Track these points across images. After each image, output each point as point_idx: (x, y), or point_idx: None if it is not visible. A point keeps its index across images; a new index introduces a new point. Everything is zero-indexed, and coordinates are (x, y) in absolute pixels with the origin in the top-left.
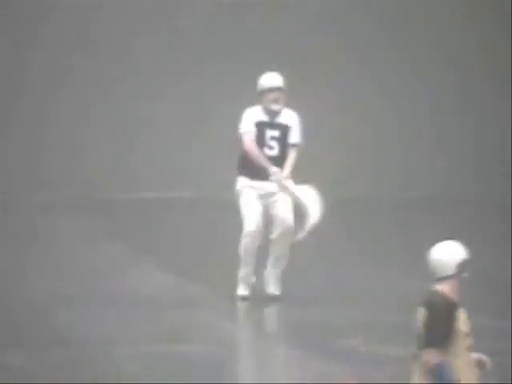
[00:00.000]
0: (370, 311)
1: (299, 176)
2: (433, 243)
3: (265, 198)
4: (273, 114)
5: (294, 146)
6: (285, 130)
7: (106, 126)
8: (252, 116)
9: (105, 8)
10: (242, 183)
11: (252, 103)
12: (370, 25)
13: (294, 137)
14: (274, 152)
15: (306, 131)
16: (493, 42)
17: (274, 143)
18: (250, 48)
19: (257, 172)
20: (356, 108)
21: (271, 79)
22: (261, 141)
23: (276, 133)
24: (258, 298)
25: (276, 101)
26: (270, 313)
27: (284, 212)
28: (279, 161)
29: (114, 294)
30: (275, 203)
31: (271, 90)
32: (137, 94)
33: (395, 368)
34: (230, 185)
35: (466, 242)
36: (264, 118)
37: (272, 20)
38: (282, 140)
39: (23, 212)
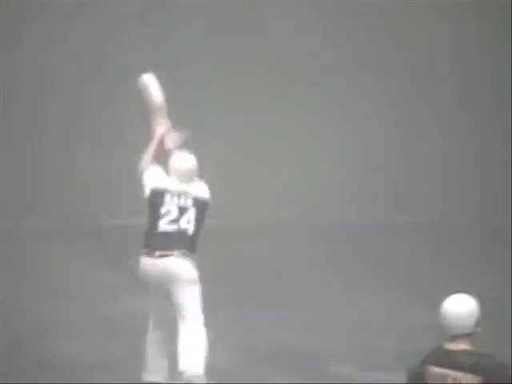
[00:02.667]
0: (363, 337)
1: (290, 198)
2: (431, 269)
3: None
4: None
5: None
6: None
7: (96, 151)
8: None
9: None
10: None
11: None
12: (368, 25)
13: None
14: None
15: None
16: (493, 41)
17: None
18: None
19: None
20: (352, 120)
21: (183, 161)
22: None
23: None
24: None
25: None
26: (261, 338)
27: None
28: None
29: (108, 320)
30: None
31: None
32: (128, 116)
33: None
34: (218, 211)
35: (465, 266)
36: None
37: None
38: None
39: (14, 239)
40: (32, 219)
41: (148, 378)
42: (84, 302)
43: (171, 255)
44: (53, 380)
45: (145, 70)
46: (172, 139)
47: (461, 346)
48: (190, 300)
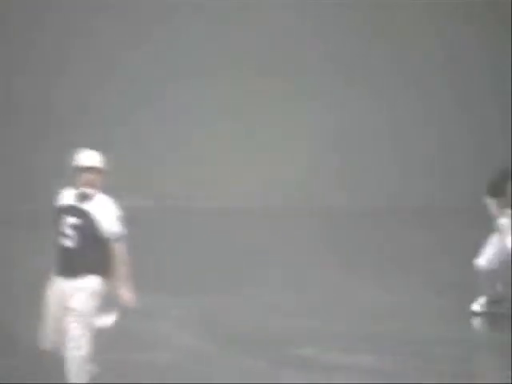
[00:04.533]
0: (336, 321)
1: (294, 186)
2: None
3: None
4: (82, 197)
5: (114, 240)
6: (88, 218)
7: (98, 141)
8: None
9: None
10: None
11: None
12: (368, 25)
13: (108, 229)
14: (71, 243)
15: (299, 142)
16: (493, 41)
17: (71, 232)
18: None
19: None
20: (350, 112)
21: (88, 158)
22: (59, 228)
23: (76, 221)
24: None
25: (89, 183)
26: (226, 321)
27: None
28: (76, 255)
29: None
30: None
31: (87, 169)
32: (131, 107)
33: (355, 377)
34: (207, 195)
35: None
36: (69, 201)
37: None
38: (83, 230)
39: (13, 229)
40: (34, 211)
41: None
42: None
43: None
44: (52, 378)
45: (146, 71)
46: None
47: None
48: None
